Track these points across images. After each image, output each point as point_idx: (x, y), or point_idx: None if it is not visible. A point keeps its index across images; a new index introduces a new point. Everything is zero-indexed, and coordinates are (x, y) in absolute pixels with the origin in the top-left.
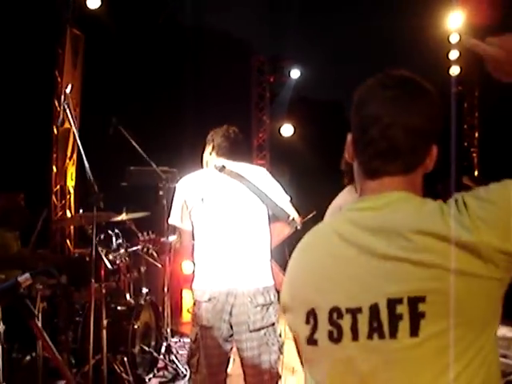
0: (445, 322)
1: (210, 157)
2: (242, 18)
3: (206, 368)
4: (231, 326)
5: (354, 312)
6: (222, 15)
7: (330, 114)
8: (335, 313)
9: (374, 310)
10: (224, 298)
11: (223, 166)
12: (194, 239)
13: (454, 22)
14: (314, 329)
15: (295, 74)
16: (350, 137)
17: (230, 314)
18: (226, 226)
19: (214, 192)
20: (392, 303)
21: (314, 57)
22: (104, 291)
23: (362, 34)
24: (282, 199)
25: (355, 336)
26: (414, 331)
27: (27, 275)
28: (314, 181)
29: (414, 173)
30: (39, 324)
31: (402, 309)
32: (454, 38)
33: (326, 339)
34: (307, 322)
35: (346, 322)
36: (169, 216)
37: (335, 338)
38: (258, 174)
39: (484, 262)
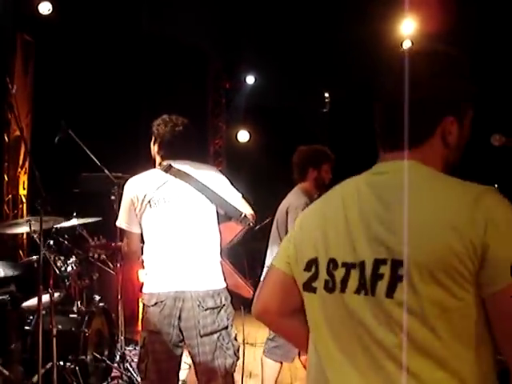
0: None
1: (157, 156)
2: (196, 24)
3: (155, 373)
4: (181, 331)
5: (349, 267)
6: (175, 22)
7: (285, 120)
8: (332, 264)
9: (363, 267)
10: (171, 302)
11: (170, 166)
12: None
13: (407, 29)
14: (315, 277)
15: (250, 79)
16: None
17: (179, 318)
18: (173, 228)
19: (162, 193)
20: (377, 263)
21: (269, 63)
22: (53, 298)
23: (316, 41)
24: (234, 196)
25: (343, 288)
26: (390, 292)
27: None
28: (270, 186)
29: (423, 146)
30: None
31: (385, 269)
32: (407, 45)
33: (323, 288)
34: (306, 269)
35: (338, 275)
36: (116, 219)
37: (330, 287)
38: (207, 173)
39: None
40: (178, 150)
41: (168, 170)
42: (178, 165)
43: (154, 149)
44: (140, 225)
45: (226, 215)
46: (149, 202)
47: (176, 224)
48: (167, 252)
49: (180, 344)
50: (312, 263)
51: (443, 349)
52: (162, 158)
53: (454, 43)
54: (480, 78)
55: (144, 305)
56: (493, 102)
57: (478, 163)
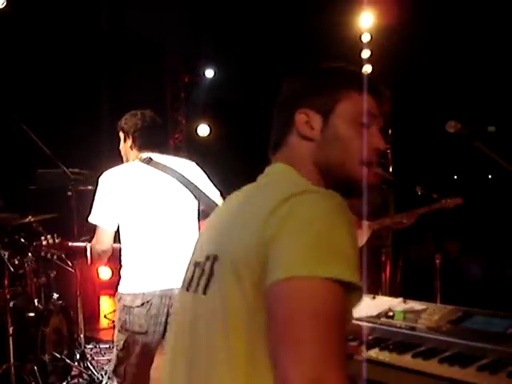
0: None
1: (131, 151)
2: (153, 17)
3: (134, 376)
4: (166, 327)
5: (195, 265)
6: (133, 15)
7: (246, 113)
8: (190, 264)
9: (199, 264)
10: (158, 300)
11: (150, 158)
12: (119, 241)
13: (366, 22)
14: (182, 277)
15: (210, 73)
16: None
17: (167, 315)
18: (157, 224)
19: (143, 187)
20: (206, 260)
21: (228, 56)
22: (8, 297)
23: (275, 34)
24: (213, 194)
25: (187, 287)
26: (205, 289)
27: None
28: (232, 180)
29: (283, 146)
30: None
31: (207, 266)
32: (366, 38)
33: (181, 287)
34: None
35: (189, 274)
36: (88, 215)
37: (183, 285)
38: (188, 167)
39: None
40: (153, 138)
41: (149, 162)
42: (158, 158)
43: (127, 144)
44: (116, 222)
45: (204, 212)
46: (130, 196)
47: (159, 219)
48: (151, 250)
49: (160, 340)
50: (188, 265)
51: (233, 357)
52: (139, 150)
53: (409, 35)
54: (434, 68)
55: (124, 306)
56: (448, 90)
57: (433, 149)
